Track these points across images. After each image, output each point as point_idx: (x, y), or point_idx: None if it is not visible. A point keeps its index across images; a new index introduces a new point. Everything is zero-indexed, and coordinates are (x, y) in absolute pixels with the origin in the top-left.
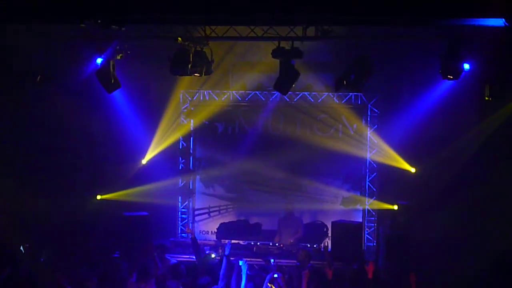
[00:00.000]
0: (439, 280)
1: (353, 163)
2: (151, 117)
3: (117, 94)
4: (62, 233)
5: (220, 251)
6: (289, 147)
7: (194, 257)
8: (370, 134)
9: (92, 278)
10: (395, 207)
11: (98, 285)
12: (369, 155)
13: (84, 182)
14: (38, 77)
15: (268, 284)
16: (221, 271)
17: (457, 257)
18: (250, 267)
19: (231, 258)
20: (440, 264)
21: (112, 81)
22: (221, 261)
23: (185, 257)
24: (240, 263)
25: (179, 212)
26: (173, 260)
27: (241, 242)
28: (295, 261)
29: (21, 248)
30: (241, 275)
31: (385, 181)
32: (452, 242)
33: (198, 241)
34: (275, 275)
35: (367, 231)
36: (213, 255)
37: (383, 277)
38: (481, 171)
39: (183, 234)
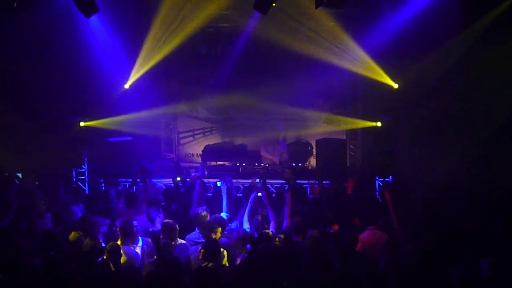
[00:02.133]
0: (422, 196)
1: (336, 81)
2: (131, 40)
3: (95, 18)
4: (45, 159)
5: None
6: (271, 66)
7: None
8: (353, 50)
9: (79, 203)
10: (379, 123)
11: (84, 211)
12: (352, 71)
13: (66, 108)
14: (15, 3)
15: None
16: (194, 193)
17: (440, 172)
18: (236, 188)
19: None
20: (423, 178)
21: (90, 5)
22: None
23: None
24: (218, 184)
25: (163, 136)
26: (159, 185)
27: (226, 163)
28: (281, 181)
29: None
30: (221, 195)
31: (368, 98)
32: (435, 156)
33: (184, 164)
34: (259, 194)
35: (351, 148)
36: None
37: (366, 193)
38: (463, 81)
39: (168, 158)
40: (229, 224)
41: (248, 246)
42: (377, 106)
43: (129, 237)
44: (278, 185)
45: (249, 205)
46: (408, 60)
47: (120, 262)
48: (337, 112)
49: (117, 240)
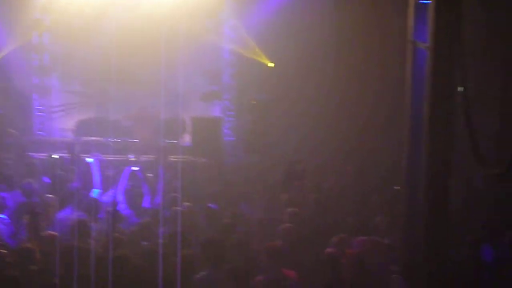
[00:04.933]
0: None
1: (213, 57)
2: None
3: None
4: None
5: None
6: (147, 40)
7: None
8: (229, 27)
9: None
10: (254, 102)
11: None
12: (228, 48)
13: None
14: None
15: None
16: (77, 170)
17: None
18: (108, 163)
19: (86, 156)
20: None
21: None
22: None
23: (43, 155)
24: (90, 160)
25: (35, 110)
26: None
27: (99, 138)
28: (153, 156)
29: None
30: (92, 172)
31: (245, 75)
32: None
33: (56, 138)
34: (135, 168)
35: (226, 125)
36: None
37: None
38: (338, 59)
39: (39, 132)
40: (104, 199)
41: None
42: (253, 84)
43: None
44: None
45: (123, 179)
46: (284, 40)
47: None
48: (214, 88)
49: None
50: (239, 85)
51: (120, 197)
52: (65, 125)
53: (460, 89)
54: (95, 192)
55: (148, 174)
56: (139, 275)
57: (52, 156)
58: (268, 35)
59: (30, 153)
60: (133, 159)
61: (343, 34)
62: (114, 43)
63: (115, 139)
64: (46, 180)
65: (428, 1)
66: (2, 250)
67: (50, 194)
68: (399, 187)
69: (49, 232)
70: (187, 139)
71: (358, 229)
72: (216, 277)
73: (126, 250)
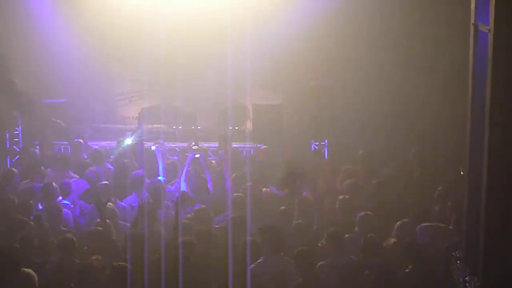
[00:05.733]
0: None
1: (274, 44)
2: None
3: None
4: None
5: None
6: (211, 28)
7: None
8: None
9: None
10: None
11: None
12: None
13: None
14: None
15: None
16: (138, 156)
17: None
18: (171, 151)
19: (150, 143)
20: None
21: None
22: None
23: (106, 143)
24: (153, 148)
25: (99, 98)
26: (94, 147)
27: (163, 126)
28: (216, 143)
29: None
30: (156, 159)
31: (306, 62)
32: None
33: (120, 126)
34: (197, 155)
35: (286, 112)
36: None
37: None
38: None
39: (104, 120)
40: (169, 186)
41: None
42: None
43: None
44: (214, 148)
45: (186, 166)
46: (345, 26)
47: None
48: (275, 75)
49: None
50: (299, 72)
51: (184, 184)
52: (129, 113)
53: None
54: (159, 179)
55: (212, 161)
56: (204, 261)
57: (117, 143)
58: (329, 22)
59: (94, 141)
60: (196, 146)
61: (403, 20)
62: (178, 31)
63: (179, 127)
64: (111, 167)
65: None
66: (68, 235)
67: (115, 182)
68: (463, 172)
69: (112, 218)
70: (249, 126)
71: (420, 215)
72: (274, 263)
73: (191, 236)
